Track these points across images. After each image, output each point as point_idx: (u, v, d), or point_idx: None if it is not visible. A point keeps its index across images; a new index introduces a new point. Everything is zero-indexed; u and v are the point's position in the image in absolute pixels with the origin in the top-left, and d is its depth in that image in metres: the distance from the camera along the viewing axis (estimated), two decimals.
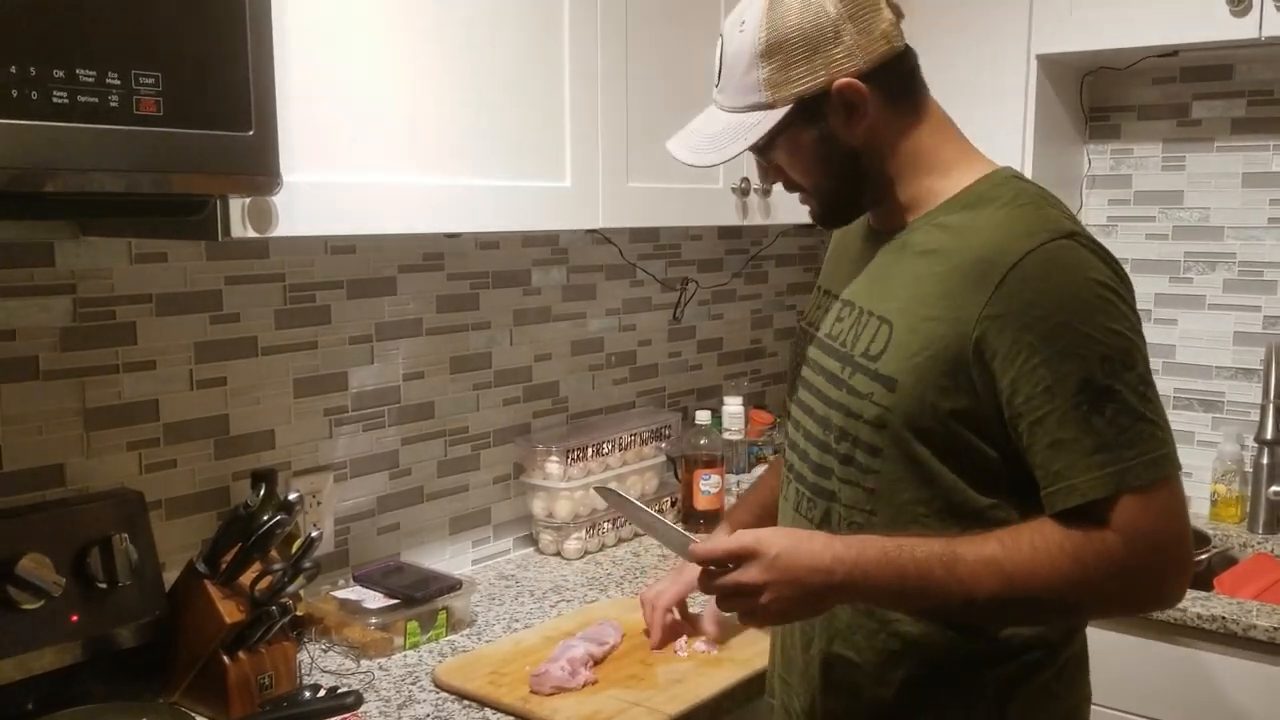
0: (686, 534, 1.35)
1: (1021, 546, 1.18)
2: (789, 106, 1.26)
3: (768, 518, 1.63)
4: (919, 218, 1.32)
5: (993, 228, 1.23)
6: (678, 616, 1.70)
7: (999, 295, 1.18)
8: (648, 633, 1.71)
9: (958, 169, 1.32)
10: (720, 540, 1.26)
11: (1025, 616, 1.28)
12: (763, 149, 1.33)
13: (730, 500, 2.47)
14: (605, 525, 2.32)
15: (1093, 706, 2.13)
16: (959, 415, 1.22)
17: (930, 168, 1.32)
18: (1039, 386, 1.17)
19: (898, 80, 1.30)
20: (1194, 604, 2.04)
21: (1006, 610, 1.24)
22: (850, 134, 1.28)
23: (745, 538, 1.22)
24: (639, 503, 1.54)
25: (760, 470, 2.52)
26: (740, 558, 1.22)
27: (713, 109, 1.35)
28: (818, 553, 1.21)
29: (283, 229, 1.44)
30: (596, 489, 1.64)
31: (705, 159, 1.33)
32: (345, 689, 1.58)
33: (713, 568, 1.25)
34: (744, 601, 1.23)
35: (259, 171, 1.32)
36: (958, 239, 1.25)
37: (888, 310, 1.29)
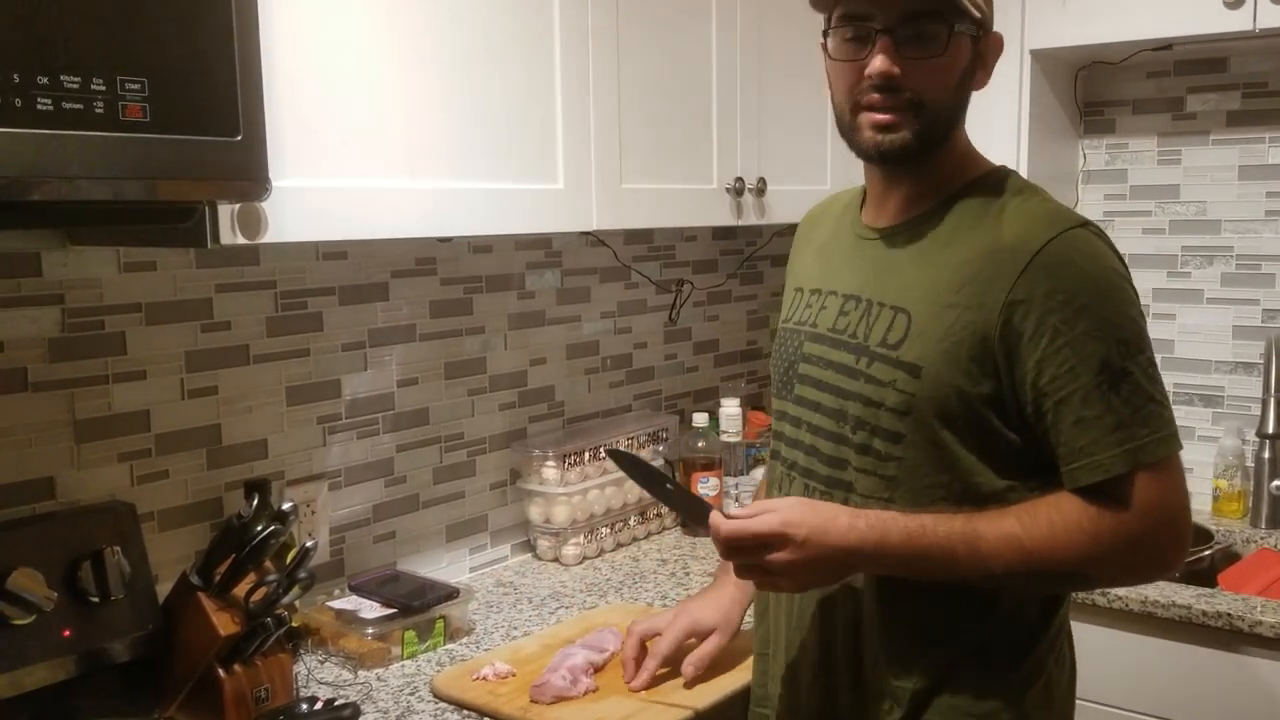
0: (706, 502, 1.34)
1: (1039, 522, 1.24)
2: (980, 15, 1.29)
3: None
4: (928, 210, 1.35)
5: (1009, 218, 1.29)
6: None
7: (1023, 280, 1.23)
8: (625, 664, 1.66)
9: (974, 162, 1.39)
10: (747, 523, 1.26)
11: (1038, 587, 1.33)
12: (934, 36, 1.27)
13: (730, 503, 2.45)
14: (603, 530, 2.30)
15: (1096, 705, 2.13)
16: (983, 399, 1.26)
17: (963, 154, 1.38)
18: (1064, 366, 1.22)
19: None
20: (1198, 601, 2.02)
21: (1022, 582, 1.29)
22: (976, 80, 1.34)
23: (770, 521, 1.25)
24: (655, 466, 1.48)
25: (760, 472, 2.51)
26: (769, 543, 1.24)
27: None
28: (844, 533, 1.25)
29: (273, 235, 1.42)
30: (608, 451, 1.57)
31: None
32: (343, 700, 1.56)
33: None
34: (767, 576, 1.28)
35: (248, 177, 1.30)
36: (973, 230, 1.30)
37: (903, 300, 1.31)
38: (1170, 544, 1.26)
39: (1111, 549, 1.23)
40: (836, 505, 1.31)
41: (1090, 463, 1.22)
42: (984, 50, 1.33)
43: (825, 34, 1.33)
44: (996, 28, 1.35)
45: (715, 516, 1.29)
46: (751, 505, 1.31)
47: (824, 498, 1.37)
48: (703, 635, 1.66)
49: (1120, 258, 1.28)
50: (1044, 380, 1.23)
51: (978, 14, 1.28)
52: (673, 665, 1.65)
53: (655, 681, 1.64)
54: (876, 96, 1.28)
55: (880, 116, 1.29)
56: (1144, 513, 1.22)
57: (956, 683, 1.32)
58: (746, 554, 1.27)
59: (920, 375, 1.27)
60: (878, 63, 1.26)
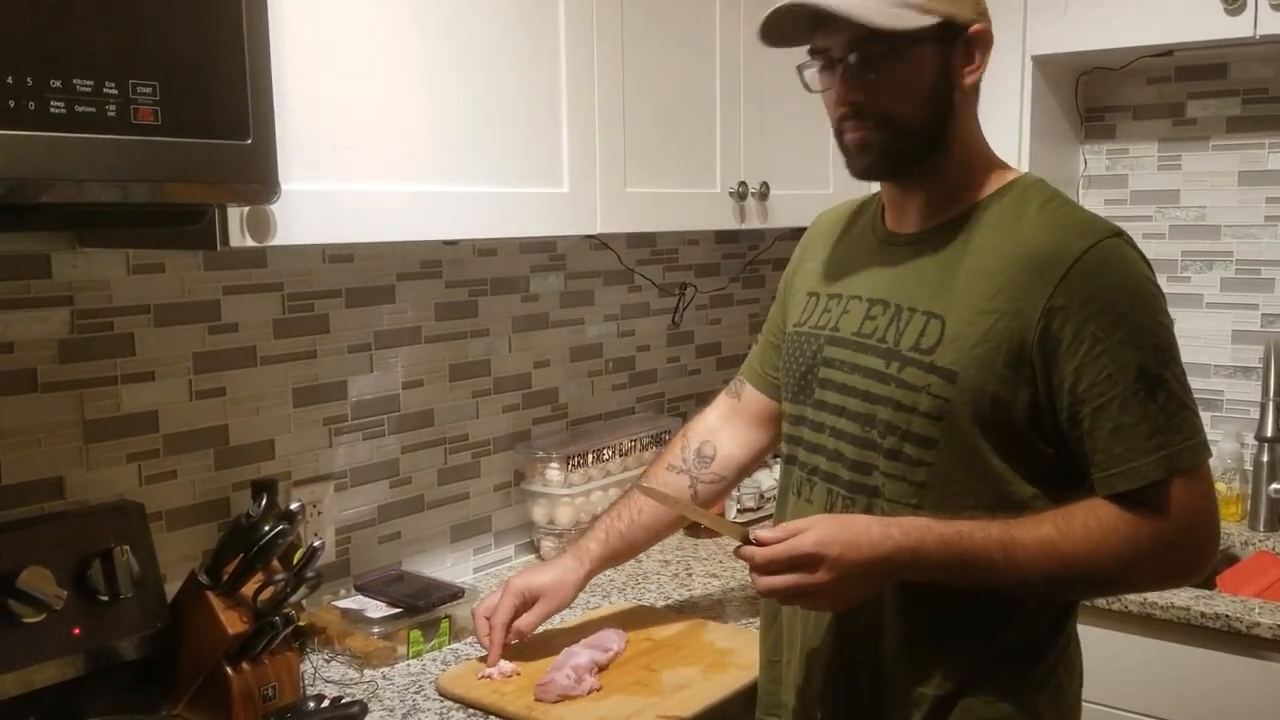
0: (739, 527, 1.34)
1: (1075, 528, 1.24)
2: (937, 20, 1.27)
3: (624, 549, 1.72)
4: (956, 216, 1.35)
5: (1043, 225, 1.29)
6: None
7: (1063, 288, 1.23)
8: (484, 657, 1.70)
9: (997, 169, 1.38)
10: (780, 547, 1.25)
11: (1074, 593, 1.35)
12: (883, 56, 1.28)
13: (732, 505, 2.46)
14: None
15: (1096, 706, 2.14)
16: (1018, 406, 1.26)
17: (979, 160, 1.38)
18: (1102, 374, 1.23)
19: (984, 67, 1.35)
20: (1197, 602, 2.03)
21: (1058, 588, 1.30)
22: (960, 81, 1.32)
23: (803, 542, 1.24)
24: (689, 503, 1.57)
25: (763, 476, 2.51)
26: (803, 564, 1.24)
27: None
28: (877, 543, 1.24)
29: (282, 238, 1.43)
30: (639, 488, 1.66)
31: (854, 9, 1.25)
32: (349, 699, 1.57)
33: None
34: (808, 598, 1.28)
35: (257, 180, 1.31)
36: (1005, 237, 1.30)
37: (936, 306, 1.31)
38: (1202, 548, 1.28)
39: (1148, 555, 1.24)
40: (867, 517, 1.31)
41: (1128, 469, 1.23)
42: (963, 48, 1.31)
43: (800, 69, 1.37)
44: (996, 34, 1.35)
45: (747, 548, 1.27)
46: (781, 527, 1.29)
47: (847, 503, 1.36)
48: (534, 601, 1.70)
49: (1150, 267, 1.29)
50: (1082, 387, 1.23)
51: (932, 21, 1.27)
52: (519, 636, 1.71)
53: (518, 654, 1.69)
54: (848, 121, 1.34)
55: (854, 135, 1.34)
56: (1178, 518, 1.24)
57: (975, 687, 1.33)
58: (783, 578, 1.25)
59: (956, 380, 1.27)
60: (838, 91, 1.33)
